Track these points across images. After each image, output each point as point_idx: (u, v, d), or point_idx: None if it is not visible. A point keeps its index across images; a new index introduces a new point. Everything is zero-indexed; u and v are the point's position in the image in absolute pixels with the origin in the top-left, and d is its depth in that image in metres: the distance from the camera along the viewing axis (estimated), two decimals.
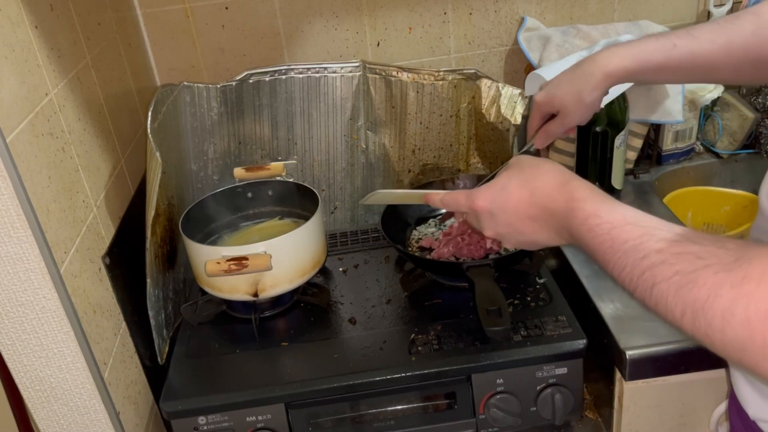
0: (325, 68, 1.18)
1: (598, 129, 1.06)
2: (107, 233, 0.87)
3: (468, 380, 0.87)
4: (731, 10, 1.25)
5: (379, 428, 0.89)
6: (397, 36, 1.24)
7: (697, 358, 0.83)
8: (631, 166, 1.22)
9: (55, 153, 0.75)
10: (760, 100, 1.23)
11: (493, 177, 0.72)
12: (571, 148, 1.14)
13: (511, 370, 0.86)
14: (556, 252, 1.06)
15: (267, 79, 1.17)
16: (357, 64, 1.18)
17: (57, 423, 0.77)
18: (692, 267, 0.45)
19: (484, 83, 1.18)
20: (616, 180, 1.12)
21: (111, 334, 0.83)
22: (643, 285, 0.49)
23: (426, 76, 1.19)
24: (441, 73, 1.19)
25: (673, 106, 1.14)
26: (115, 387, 0.81)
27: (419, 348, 0.89)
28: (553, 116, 0.88)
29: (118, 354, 0.84)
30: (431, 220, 1.14)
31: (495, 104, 1.17)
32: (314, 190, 1.04)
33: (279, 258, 0.91)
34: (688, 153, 1.26)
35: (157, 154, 0.90)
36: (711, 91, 1.20)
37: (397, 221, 1.10)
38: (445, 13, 1.23)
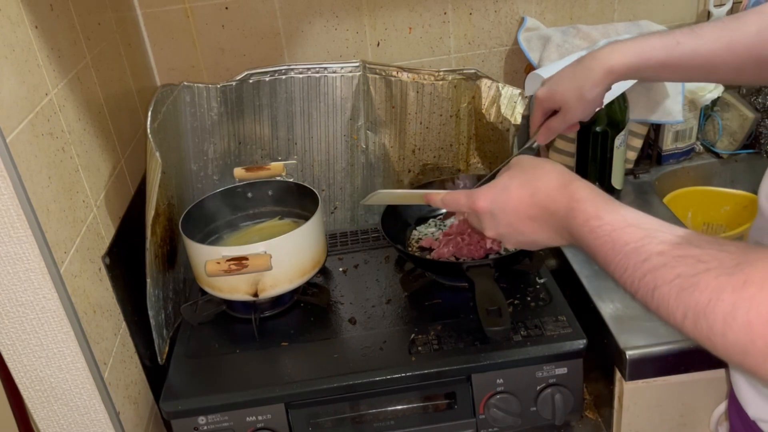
0: (325, 68, 1.18)
1: (598, 129, 1.06)
2: (107, 233, 0.87)
3: (468, 380, 0.87)
4: (731, 10, 1.25)
5: (379, 428, 0.89)
6: (397, 36, 1.24)
7: (697, 358, 0.83)
8: (631, 166, 1.22)
9: (55, 153, 0.74)
10: (760, 100, 1.23)
11: (493, 176, 0.72)
12: (571, 148, 1.14)
13: (511, 370, 0.86)
14: (556, 252, 1.06)
15: (267, 79, 1.17)
16: (357, 64, 1.18)
17: (57, 423, 0.77)
18: (693, 270, 0.45)
19: (484, 83, 1.18)
20: (616, 180, 1.12)
21: (111, 334, 0.83)
22: (645, 288, 0.49)
23: (426, 76, 1.19)
24: (441, 73, 1.19)
25: (673, 106, 1.14)
26: (115, 387, 0.81)
27: (419, 348, 0.89)
28: (555, 112, 0.88)
29: (118, 354, 0.84)
30: (431, 220, 1.14)
31: (495, 104, 1.17)
32: (314, 190, 1.04)
33: (279, 258, 0.91)
34: (688, 153, 1.26)
35: (157, 154, 0.90)
36: (711, 91, 1.20)
37: (397, 221, 1.10)
38: (445, 13, 1.23)
